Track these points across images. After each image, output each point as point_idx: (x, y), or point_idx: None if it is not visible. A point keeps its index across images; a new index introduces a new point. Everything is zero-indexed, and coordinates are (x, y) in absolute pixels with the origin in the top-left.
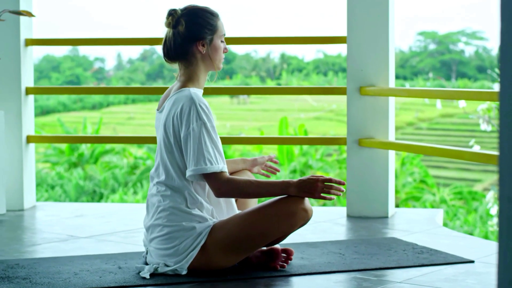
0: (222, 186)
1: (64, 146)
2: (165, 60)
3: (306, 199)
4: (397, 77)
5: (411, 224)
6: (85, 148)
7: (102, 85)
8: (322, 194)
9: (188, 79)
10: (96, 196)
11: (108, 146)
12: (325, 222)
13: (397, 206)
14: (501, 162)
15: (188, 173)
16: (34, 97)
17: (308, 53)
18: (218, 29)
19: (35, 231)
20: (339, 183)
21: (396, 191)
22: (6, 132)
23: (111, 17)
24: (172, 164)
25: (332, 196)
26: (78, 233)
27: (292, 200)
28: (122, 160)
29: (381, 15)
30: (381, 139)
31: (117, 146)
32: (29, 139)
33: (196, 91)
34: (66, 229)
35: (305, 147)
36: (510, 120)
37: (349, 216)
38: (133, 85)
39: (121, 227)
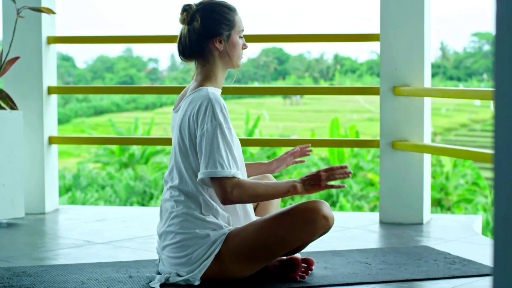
0: (234, 189)
1: (114, 146)
2: (181, 59)
3: (327, 206)
4: (451, 78)
5: (447, 232)
6: (136, 148)
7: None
8: (328, 183)
9: (205, 78)
10: (146, 197)
11: (158, 146)
12: (356, 229)
13: (448, 208)
14: (496, 179)
15: (199, 176)
16: (88, 98)
17: (361, 54)
18: (236, 24)
19: (52, 236)
20: (342, 167)
21: (448, 193)
22: (28, 133)
23: (124, 16)
24: (186, 168)
25: (341, 184)
26: (95, 239)
27: (311, 207)
28: None
29: (416, 12)
30: (415, 141)
31: (168, 147)
32: (51, 140)
33: (214, 91)
34: (84, 234)
35: (355, 148)
36: (504, 134)
37: (382, 223)
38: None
39: (140, 232)
